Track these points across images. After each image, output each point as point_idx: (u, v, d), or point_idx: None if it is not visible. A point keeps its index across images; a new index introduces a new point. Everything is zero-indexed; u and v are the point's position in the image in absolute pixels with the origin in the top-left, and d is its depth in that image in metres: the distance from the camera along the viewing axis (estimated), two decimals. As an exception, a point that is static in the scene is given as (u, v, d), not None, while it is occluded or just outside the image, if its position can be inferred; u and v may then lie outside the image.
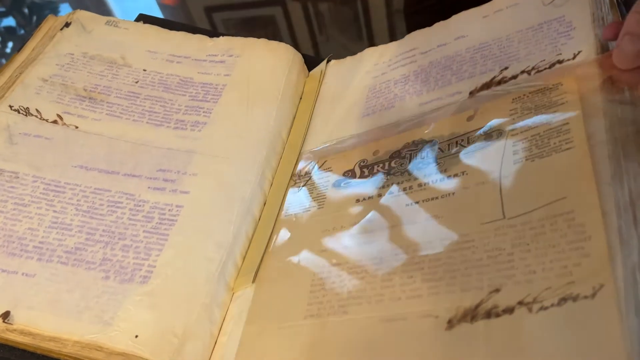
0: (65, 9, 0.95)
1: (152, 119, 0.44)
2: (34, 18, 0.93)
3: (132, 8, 0.79)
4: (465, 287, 0.28)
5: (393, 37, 0.47)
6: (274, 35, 0.57)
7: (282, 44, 0.50)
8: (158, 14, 0.71)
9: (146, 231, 0.37)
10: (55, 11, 0.95)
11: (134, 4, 0.82)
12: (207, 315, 0.35)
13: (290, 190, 0.41)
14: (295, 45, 0.51)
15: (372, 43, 0.50)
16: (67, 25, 0.50)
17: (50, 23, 0.50)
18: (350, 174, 0.39)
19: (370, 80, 0.46)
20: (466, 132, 0.35)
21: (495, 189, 0.31)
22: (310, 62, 0.51)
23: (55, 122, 0.43)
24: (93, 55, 0.48)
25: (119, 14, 0.83)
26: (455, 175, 0.33)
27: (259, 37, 0.50)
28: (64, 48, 0.48)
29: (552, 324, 0.24)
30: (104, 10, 0.81)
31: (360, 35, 0.63)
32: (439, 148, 0.36)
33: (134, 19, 0.54)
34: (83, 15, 0.51)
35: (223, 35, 0.51)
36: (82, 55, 0.48)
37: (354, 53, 0.49)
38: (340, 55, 0.50)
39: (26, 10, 0.93)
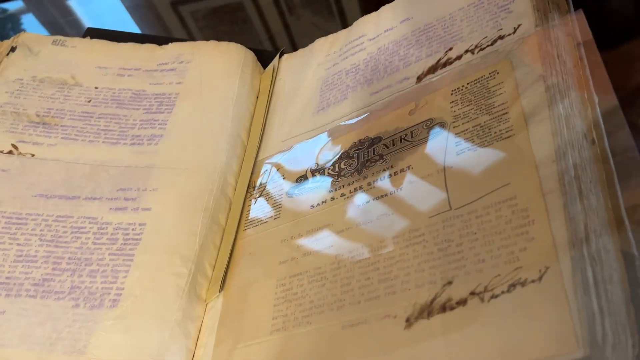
0: (28, 20, 0.93)
1: (108, 138, 0.44)
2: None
3: (98, 11, 0.77)
4: (419, 283, 0.28)
5: (365, 12, 0.46)
6: (244, 22, 0.56)
7: (232, 44, 0.49)
8: (125, 15, 0.70)
9: (111, 253, 0.37)
10: (17, 24, 0.93)
11: (100, 7, 0.80)
12: (181, 330, 0.35)
13: (247, 202, 0.40)
14: (267, 30, 0.50)
15: (343, 20, 0.49)
16: (12, 49, 0.49)
17: (-5, 49, 0.49)
18: (302, 179, 0.39)
19: (322, 73, 0.45)
20: (409, 126, 0.35)
21: (441, 181, 0.31)
22: (268, 57, 0.50)
23: (10, 152, 0.42)
24: (42, 78, 0.47)
25: (85, 19, 0.81)
26: (402, 170, 0.33)
27: (229, 25, 0.49)
28: (12, 74, 0.47)
29: (504, 311, 0.25)
30: (72, 20, 0.80)
31: (331, 13, 0.62)
32: (384, 144, 0.36)
33: (83, 33, 0.54)
34: (28, 37, 0.50)
35: (178, 38, 0.50)
36: (32, 79, 0.47)
37: (327, 32, 0.48)
38: (314, 36, 0.49)
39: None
